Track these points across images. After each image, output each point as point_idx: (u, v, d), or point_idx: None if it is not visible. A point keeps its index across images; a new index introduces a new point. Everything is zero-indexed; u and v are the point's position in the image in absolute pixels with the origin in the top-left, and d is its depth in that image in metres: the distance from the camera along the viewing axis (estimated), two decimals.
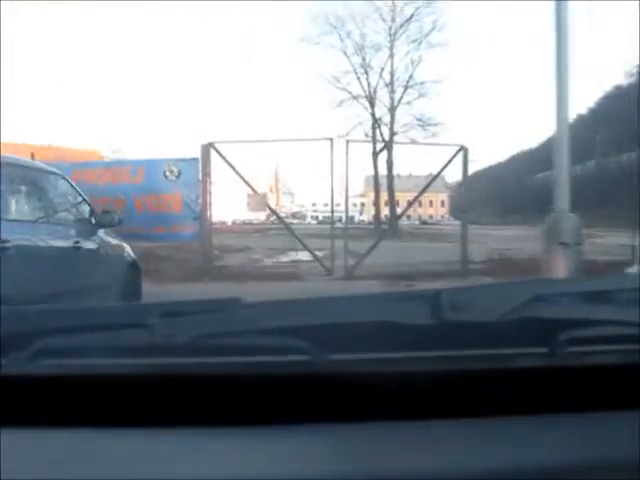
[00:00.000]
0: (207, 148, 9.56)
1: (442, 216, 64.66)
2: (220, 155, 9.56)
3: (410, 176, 49.54)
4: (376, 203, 32.88)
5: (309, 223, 53.06)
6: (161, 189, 9.56)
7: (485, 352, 0.82)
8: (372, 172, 33.20)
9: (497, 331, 0.83)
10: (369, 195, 65.13)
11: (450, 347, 0.82)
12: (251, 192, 9.88)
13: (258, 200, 9.81)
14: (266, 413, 0.72)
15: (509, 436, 0.72)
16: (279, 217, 11.26)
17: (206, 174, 9.56)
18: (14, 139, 11.06)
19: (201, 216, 9.52)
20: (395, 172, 32.34)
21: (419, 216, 60.04)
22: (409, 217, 40.87)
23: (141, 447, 0.69)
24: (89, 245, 5.10)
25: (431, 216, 64.77)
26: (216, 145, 9.62)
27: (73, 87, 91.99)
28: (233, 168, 9.58)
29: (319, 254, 10.70)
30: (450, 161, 9.70)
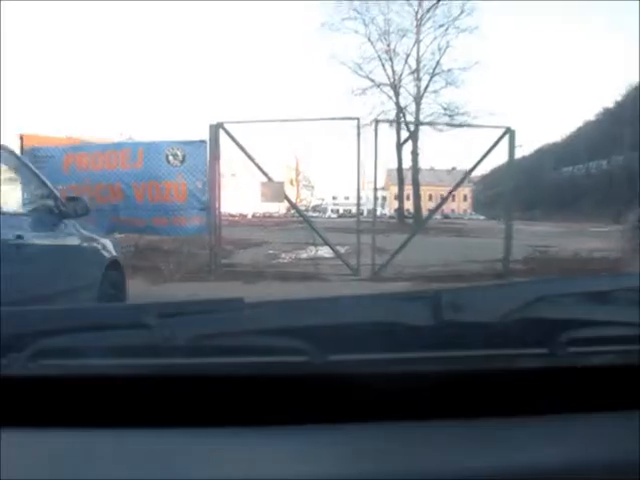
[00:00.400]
0: (216, 129, 8.37)
1: (464, 210, 63.46)
2: (230, 137, 8.34)
3: (432, 169, 48.07)
4: (400, 196, 31.54)
5: (329, 217, 52.40)
6: (163, 175, 8.38)
7: (485, 353, 0.81)
8: (393, 165, 31.92)
9: (497, 332, 0.82)
10: (391, 189, 64.08)
11: (450, 348, 0.81)
12: (265, 180, 8.47)
13: (274, 189, 8.28)
14: (266, 413, 0.73)
15: (510, 436, 0.72)
16: (297, 209, 9.86)
17: (215, 158, 8.40)
18: (33, 131, 9.90)
19: (208, 207, 8.36)
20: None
21: (441, 210, 59.13)
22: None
23: (141, 447, 0.69)
24: (48, 240, 3.92)
25: (453, 210, 63.67)
26: (226, 126, 8.45)
27: (81, 76, 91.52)
28: (244, 151, 8.20)
29: (341, 250, 9.50)
30: (496, 144, 8.43)
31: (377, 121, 8.97)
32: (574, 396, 0.75)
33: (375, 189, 9.66)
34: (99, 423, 0.70)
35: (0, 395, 0.71)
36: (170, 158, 8.41)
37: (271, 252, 12.00)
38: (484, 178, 57.22)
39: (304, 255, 11.06)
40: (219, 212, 8.50)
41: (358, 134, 8.28)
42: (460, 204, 67.63)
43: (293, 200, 9.64)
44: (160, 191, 8.40)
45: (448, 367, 0.78)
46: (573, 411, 0.75)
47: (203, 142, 8.43)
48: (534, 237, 15.01)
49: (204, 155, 8.39)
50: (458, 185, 11.71)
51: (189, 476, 0.64)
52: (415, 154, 29.83)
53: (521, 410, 0.74)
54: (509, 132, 8.52)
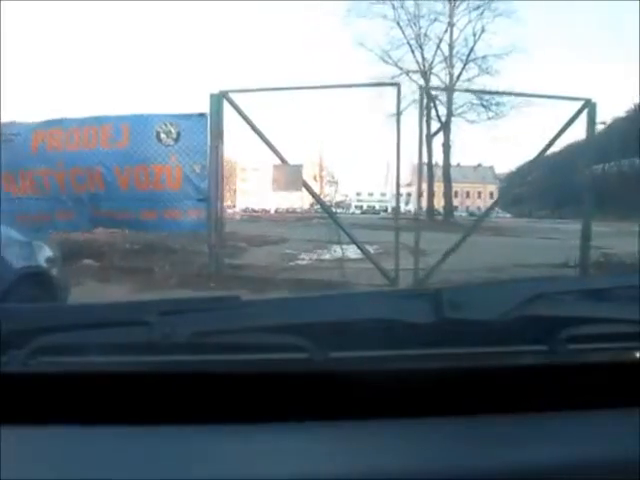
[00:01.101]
0: (218, 100, 6.73)
1: (491, 208, 61.83)
2: (236, 109, 6.67)
3: (458, 166, 46.26)
4: (429, 192, 29.59)
5: (353, 213, 51.63)
6: (153, 157, 6.73)
7: (485, 350, 0.81)
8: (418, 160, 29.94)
9: (497, 329, 0.82)
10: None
11: (450, 345, 0.81)
12: (279, 163, 6.60)
13: (289, 174, 6.45)
14: (266, 411, 0.72)
15: (509, 434, 0.72)
16: (319, 200, 7.94)
17: (217, 136, 6.74)
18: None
19: (209, 196, 6.71)
20: (441, 162, 29.00)
21: (467, 207, 57.44)
22: (456, 208, 38.04)
23: (141, 444, 0.69)
24: None
25: (479, 208, 62.49)
26: (231, 95, 6.77)
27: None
28: (252, 126, 6.45)
29: (370, 250, 7.79)
30: (575, 118, 6.67)
31: (426, 86, 7.07)
32: (573, 393, 0.75)
33: (420, 171, 7.73)
34: (98, 420, 0.70)
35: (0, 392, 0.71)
36: (162, 136, 6.75)
37: (288, 252, 10.39)
38: (510, 175, 55.96)
39: (327, 256, 9.40)
40: (222, 203, 6.83)
41: (398, 103, 6.61)
42: (486, 201, 66.54)
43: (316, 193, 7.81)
44: (149, 177, 6.75)
45: (448, 364, 0.78)
46: (572, 408, 0.74)
47: (203, 116, 6.76)
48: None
49: (204, 132, 6.72)
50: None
51: (189, 473, 0.64)
52: (447, 146, 27.86)
53: (521, 407, 0.74)
54: (589, 105, 6.75)
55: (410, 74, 28.40)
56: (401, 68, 28.60)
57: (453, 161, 32.35)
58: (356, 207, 62.34)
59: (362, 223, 13.62)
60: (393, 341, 0.82)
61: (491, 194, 66.10)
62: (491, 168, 65.75)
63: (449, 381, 0.75)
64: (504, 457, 0.67)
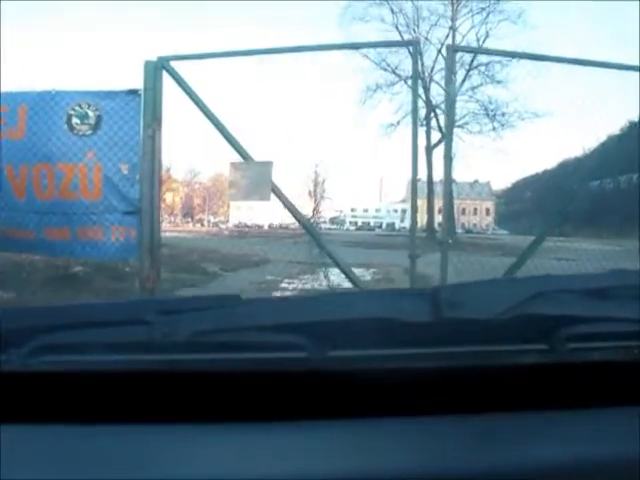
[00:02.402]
0: (155, 70, 4.71)
1: (487, 225, 60.94)
2: (179, 83, 4.63)
3: (453, 182, 45.53)
4: (430, 208, 27.65)
5: (347, 229, 50.58)
6: (62, 152, 4.67)
7: (485, 349, 0.81)
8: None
9: (497, 328, 0.82)
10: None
11: (449, 344, 0.81)
12: (238, 160, 4.44)
13: (253, 175, 4.32)
14: (264, 409, 0.73)
15: (509, 433, 0.72)
16: (296, 215, 5.42)
17: (154, 121, 4.70)
18: None
19: (142, 208, 4.65)
20: (436, 178, 27.07)
21: (462, 224, 56.30)
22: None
23: (140, 443, 0.69)
24: None
25: (475, 224, 61.47)
26: (174, 64, 4.73)
27: None
28: (200, 104, 4.56)
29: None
30: None
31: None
32: (573, 392, 0.75)
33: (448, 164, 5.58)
34: (98, 419, 0.70)
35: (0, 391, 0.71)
36: (75, 121, 4.68)
37: (269, 278, 8.41)
38: (506, 192, 55.16)
39: (315, 284, 7.41)
40: (159, 218, 4.71)
41: (414, 62, 4.64)
42: (482, 218, 65.52)
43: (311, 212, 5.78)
44: (55, 180, 4.66)
45: (447, 363, 0.78)
46: (572, 407, 0.74)
47: (134, 93, 4.73)
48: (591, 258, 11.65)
49: (136, 116, 4.69)
50: None
51: (189, 472, 0.64)
52: (448, 159, 25.86)
53: (520, 406, 0.74)
54: None
55: (408, 81, 26.60)
56: (399, 75, 26.85)
57: (455, 175, 30.49)
58: (350, 223, 61.35)
59: (357, 241, 12.04)
60: (392, 340, 0.81)
61: (487, 210, 65.14)
62: (488, 184, 64.79)
63: (448, 380, 0.75)
64: (504, 456, 0.67)
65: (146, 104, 4.62)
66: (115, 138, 4.64)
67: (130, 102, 4.68)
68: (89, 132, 4.67)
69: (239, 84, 4.39)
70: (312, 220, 4.53)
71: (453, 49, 4.64)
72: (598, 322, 0.84)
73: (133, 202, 4.66)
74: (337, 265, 4.77)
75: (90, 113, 4.69)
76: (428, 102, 25.75)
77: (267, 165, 4.37)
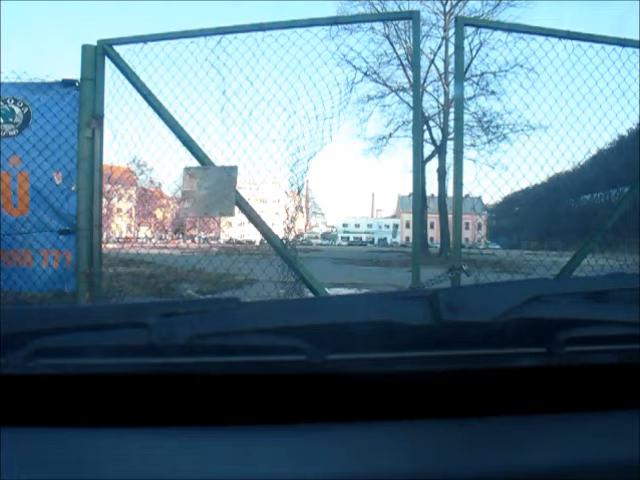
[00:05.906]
0: (96, 55, 3.83)
1: (479, 239, 60.72)
2: (124, 73, 3.74)
3: (446, 197, 45.06)
4: (423, 222, 26.86)
5: (339, 244, 49.91)
6: None
7: (483, 352, 0.80)
8: (404, 192, 27.31)
9: (495, 331, 0.81)
10: (402, 216, 60.74)
11: (448, 347, 0.80)
12: (194, 165, 3.48)
13: (211, 183, 3.34)
14: (264, 412, 0.72)
15: (508, 436, 0.71)
16: (265, 233, 4.08)
17: (94, 120, 3.81)
18: None
19: (78, 226, 3.74)
20: (428, 192, 26.26)
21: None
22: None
23: (140, 446, 0.68)
24: None
25: (467, 239, 61.07)
26: (118, 49, 3.85)
27: None
28: (148, 99, 3.61)
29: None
30: None
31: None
32: (572, 395, 0.75)
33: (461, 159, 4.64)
34: (97, 422, 0.69)
35: None
36: None
37: (249, 301, 7.48)
38: (498, 206, 55.15)
39: None
40: (100, 236, 3.77)
41: (415, 35, 3.78)
42: (474, 233, 65.44)
43: (302, 228, 4.92)
44: None
45: (446, 366, 0.78)
46: (571, 410, 0.74)
47: (71, 85, 3.84)
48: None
49: (72, 113, 3.80)
50: None
51: (188, 475, 0.63)
52: (442, 172, 25.12)
53: (519, 409, 0.73)
54: None
55: (400, 92, 25.88)
56: (390, 87, 26.16)
57: (434, 191, 29.60)
58: (342, 239, 60.55)
59: (349, 257, 11.30)
60: (391, 343, 0.80)
61: (479, 225, 64.98)
62: (479, 198, 64.53)
63: (447, 383, 0.75)
64: (502, 459, 0.67)
65: (84, 98, 3.73)
66: (46, 140, 3.76)
67: (65, 96, 3.81)
68: (14, 132, 3.78)
69: (201, 73, 3.52)
70: (286, 237, 3.66)
71: (464, 22, 3.74)
72: (596, 325, 0.84)
73: (68, 218, 3.75)
74: (311, 289, 3.84)
75: (16, 109, 3.81)
76: (421, 114, 25.05)
77: (231, 170, 3.44)
